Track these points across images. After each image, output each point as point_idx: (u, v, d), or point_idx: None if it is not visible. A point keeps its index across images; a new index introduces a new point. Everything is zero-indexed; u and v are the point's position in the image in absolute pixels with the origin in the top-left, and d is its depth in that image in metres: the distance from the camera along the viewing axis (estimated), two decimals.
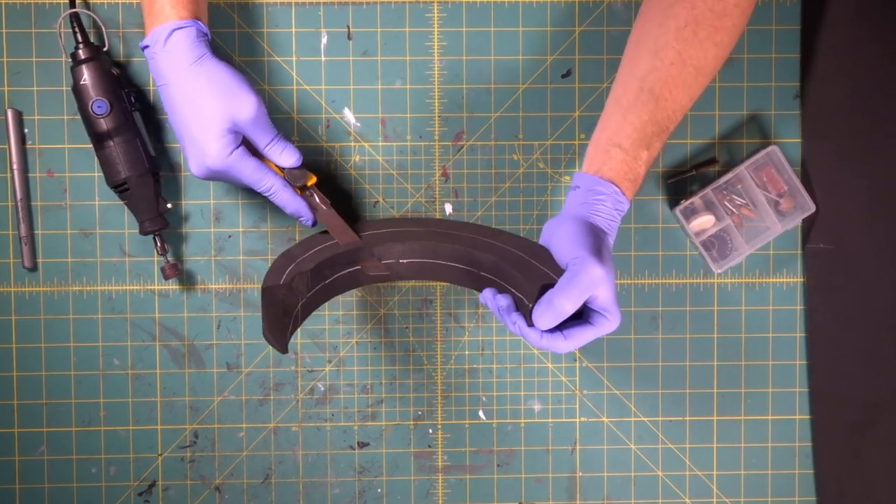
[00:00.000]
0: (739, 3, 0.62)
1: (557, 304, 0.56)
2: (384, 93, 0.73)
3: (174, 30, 0.62)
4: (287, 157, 0.65)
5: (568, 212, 0.63)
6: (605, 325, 0.58)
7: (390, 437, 0.74)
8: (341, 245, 0.67)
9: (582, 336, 0.58)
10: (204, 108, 0.62)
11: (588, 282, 0.56)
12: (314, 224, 0.68)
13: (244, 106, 0.63)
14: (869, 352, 0.74)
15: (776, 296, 0.75)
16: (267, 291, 0.62)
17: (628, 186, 0.62)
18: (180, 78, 0.62)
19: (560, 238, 0.61)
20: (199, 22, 0.63)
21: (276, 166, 0.66)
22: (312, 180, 0.66)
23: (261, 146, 0.65)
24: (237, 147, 0.63)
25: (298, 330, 0.74)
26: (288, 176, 0.66)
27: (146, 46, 0.63)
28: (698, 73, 0.62)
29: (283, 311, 0.61)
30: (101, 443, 0.73)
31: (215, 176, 0.64)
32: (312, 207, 0.67)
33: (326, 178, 0.73)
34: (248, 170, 0.64)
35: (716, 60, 0.63)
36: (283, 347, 0.59)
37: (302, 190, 0.67)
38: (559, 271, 0.60)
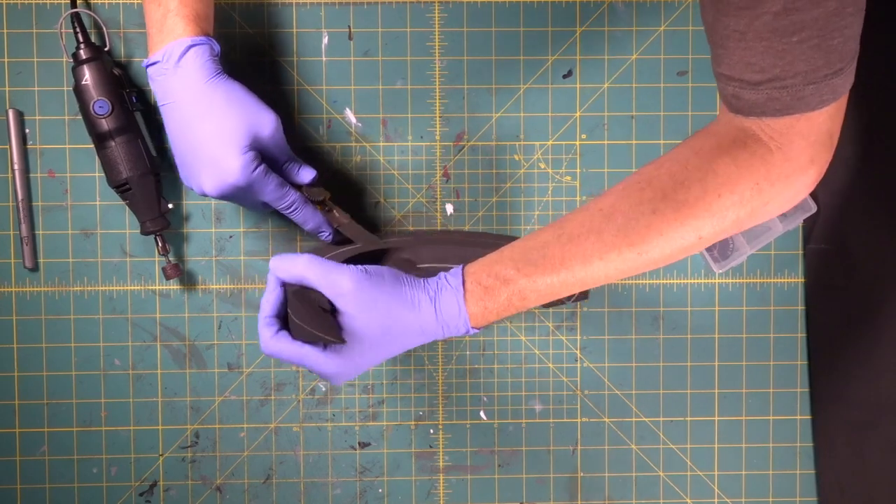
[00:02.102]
0: (705, 181, 0.54)
1: (293, 257, 0.56)
2: (385, 93, 0.73)
3: (190, 47, 0.61)
4: (305, 173, 0.66)
5: None
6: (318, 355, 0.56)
7: (391, 437, 0.75)
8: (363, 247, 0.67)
9: (289, 347, 0.56)
10: (224, 125, 0.61)
11: (332, 274, 0.55)
12: (333, 239, 0.68)
13: (266, 121, 0.62)
14: (870, 352, 0.74)
15: (777, 296, 0.75)
16: (296, 294, 0.58)
17: (470, 289, 0.56)
18: (196, 95, 0.61)
19: None
20: (213, 40, 0.62)
21: (292, 184, 0.66)
22: (327, 196, 0.67)
23: (278, 163, 0.65)
24: (261, 164, 0.62)
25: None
26: (306, 192, 0.66)
27: (153, 63, 0.61)
28: (622, 232, 0.55)
29: (321, 307, 0.58)
30: (103, 443, 0.73)
31: (234, 193, 0.62)
32: (329, 223, 0.67)
33: (328, 178, 0.73)
34: (272, 185, 0.63)
35: (652, 233, 0.55)
36: (338, 337, 0.56)
37: (320, 205, 0.67)
38: None
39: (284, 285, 0.58)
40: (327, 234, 0.68)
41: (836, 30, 0.49)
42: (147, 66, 0.62)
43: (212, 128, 0.61)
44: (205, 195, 0.63)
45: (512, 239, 0.69)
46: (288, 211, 0.65)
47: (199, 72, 0.61)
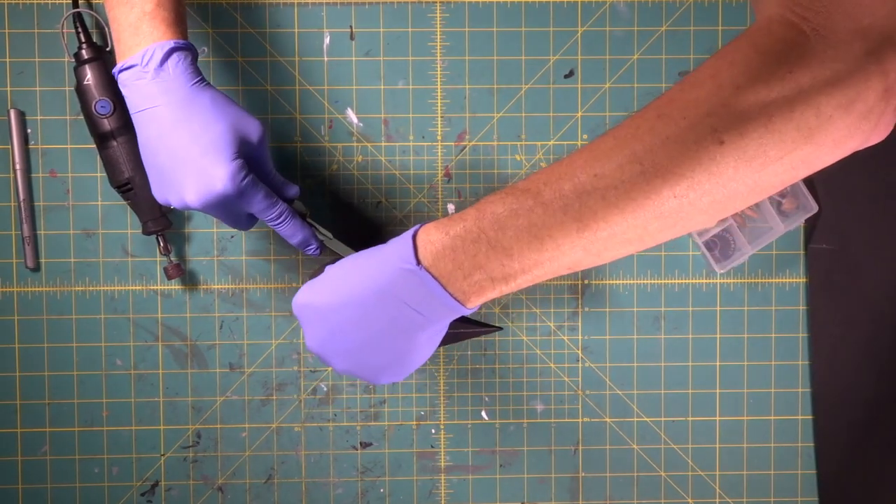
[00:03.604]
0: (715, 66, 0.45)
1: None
2: (387, 93, 0.73)
3: (174, 49, 0.58)
4: (290, 188, 0.64)
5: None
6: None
7: (393, 437, 0.75)
8: None
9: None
10: (212, 130, 0.57)
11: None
12: (320, 253, 0.66)
13: (253, 126, 0.59)
14: (871, 352, 0.74)
15: (778, 296, 0.75)
16: None
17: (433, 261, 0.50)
18: (181, 98, 0.57)
19: None
20: (193, 45, 0.60)
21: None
22: (307, 213, 0.65)
23: (262, 176, 0.62)
24: (250, 173, 0.58)
25: (300, 330, 0.74)
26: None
27: (129, 67, 0.58)
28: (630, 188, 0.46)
29: None
30: (104, 443, 0.73)
31: (221, 204, 0.58)
32: (316, 237, 0.65)
33: (328, 178, 0.73)
34: (261, 196, 0.59)
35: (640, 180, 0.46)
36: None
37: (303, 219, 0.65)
38: None
39: None
40: (314, 248, 0.65)
41: None
42: (120, 72, 0.58)
43: (197, 133, 0.57)
44: (186, 208, 0.59)
45: None
46: (276, 223, 0.62)
47: (183, 76, 0.58)
